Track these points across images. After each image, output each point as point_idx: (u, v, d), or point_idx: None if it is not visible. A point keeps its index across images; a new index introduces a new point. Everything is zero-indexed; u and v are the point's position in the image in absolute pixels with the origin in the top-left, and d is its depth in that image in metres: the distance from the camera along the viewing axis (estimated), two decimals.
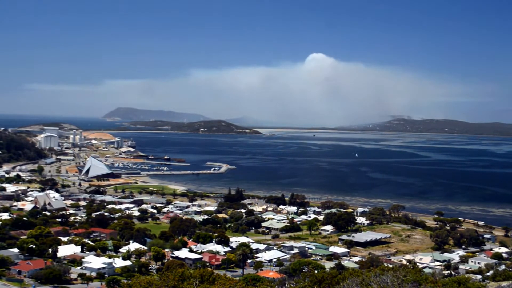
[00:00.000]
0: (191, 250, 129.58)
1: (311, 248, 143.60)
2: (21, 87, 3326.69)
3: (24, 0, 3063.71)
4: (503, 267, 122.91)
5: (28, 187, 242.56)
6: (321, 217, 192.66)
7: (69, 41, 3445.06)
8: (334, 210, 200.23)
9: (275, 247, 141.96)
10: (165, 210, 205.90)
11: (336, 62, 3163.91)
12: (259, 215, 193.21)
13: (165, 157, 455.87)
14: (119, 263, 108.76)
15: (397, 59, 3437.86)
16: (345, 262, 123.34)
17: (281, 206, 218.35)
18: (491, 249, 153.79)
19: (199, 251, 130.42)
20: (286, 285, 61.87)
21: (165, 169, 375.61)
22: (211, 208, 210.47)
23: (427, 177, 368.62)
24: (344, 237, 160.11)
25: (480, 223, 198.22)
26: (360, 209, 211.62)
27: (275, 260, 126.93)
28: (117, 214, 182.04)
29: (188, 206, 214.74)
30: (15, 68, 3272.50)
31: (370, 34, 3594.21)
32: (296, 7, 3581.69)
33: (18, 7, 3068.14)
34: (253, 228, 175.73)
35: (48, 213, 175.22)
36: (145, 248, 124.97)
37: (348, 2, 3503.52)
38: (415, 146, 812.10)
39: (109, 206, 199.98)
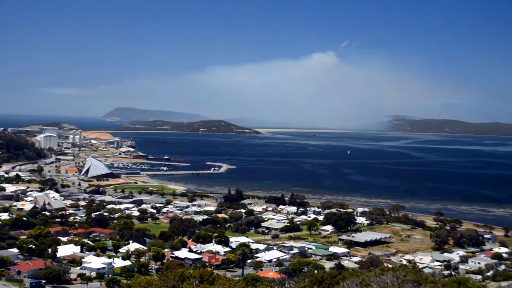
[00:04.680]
0: (190, 250, 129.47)
1: (311, 248, 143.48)
2: (32, 89, 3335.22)
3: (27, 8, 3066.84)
4: (503, 267, 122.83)
5: (28, 187, 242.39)
6: (321, 217, 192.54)
7: (70, 46, 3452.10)
8: (334, 210, 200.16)
9: (275, 247, 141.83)
10: (164, 210, 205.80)
11: (337, 63, 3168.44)
12: (259, 215, 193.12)
13: (165, 157, 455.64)
14: (118, 263, 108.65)
15: (398, 60, 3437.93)
16: (345, 262, 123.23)
17: (281, 206, 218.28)
18: (491, 249, 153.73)
19: (199, 251, 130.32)
20: (286, 285, 61.75)
21: (165, 169, 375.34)
22: (211, 208, 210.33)
23: (412, 180, 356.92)
24: (344, 237, 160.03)
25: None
26: (360, 209, 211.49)
27: (275, 260, 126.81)
28: (117, 214, 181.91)
29: (187, 206, 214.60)
30: (21, 72, 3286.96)
31: (371, 35, 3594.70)
32: (296, 5, 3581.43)
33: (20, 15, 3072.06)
34: (253, 228, 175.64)
35: (47, 213, 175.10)
36: (145, 248, 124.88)
37: (350, 3, 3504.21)
38: (412, 146, 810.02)
39: (109, 206, 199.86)
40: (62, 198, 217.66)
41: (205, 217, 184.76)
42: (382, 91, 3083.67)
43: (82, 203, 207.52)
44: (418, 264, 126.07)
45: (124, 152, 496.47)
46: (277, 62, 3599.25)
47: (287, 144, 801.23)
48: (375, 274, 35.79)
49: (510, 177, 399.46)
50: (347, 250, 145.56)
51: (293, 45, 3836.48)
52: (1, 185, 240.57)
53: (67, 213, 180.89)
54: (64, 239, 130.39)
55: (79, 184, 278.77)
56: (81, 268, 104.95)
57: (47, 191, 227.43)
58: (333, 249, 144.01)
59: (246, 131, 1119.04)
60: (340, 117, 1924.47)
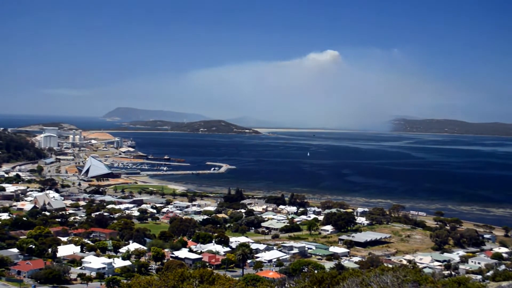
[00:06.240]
0: (190, 250, 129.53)
1: (311, 248, 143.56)
2: (32, 90, 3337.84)
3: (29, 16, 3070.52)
4: (503, 267, 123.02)
5: (28, 187, 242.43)
6: (321, 217, 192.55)
7: (71, 47, 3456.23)
8: (334, 210, 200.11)
9: (275, 247, 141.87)
10: (164, 210, 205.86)
11: (337, 63, 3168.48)
12: (259, 215, 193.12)
13: (165, 157, 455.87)
14: (118, 263, 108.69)
15: (398, 60, 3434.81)
16: (345, 262, 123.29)
17: (281, 206, 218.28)
18: (491, 249, 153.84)
19: (199, 251, 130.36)
20: (286, 285, 61.64)
21: (165, 169, 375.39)
22: (211, 208, 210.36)
23: (412, 180, 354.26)
24: (344, 237, 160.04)
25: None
26: (360, 209, 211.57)
27: (275, 260, 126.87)
28: (117, 214, 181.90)
29: (187, 206, 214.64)
30: (22, 72, 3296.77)
31: (372, 35, 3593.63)
32: (297, 4, 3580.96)
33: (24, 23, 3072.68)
34: (253, 228, 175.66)
35: (47, 213, 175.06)
36: (145, 248, 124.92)
37: (350, 4, 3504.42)
38: (413, 146, 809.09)
39: (109, 206, 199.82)
40: (62, 198, 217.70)
41: (205, 217, 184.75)
42: (383, 91, 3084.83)
43: (82, 203, 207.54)
44: (418, 264, 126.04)
45: (124, 152, 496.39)
46: (277, 62, 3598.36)
47: (288, 144, 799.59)
48: (375, 274, 35.81)
49: (510, 177, 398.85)
50: (347, 250, 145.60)
51: (294, 45, 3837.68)
52: (1, 185, 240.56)
53: (67, 213, 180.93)
54: (64, 239, 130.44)
55: (79, 184, 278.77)
56: (81, 268, 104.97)
57: (47, 191, 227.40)
58: (333, 249, 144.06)
59: (246, 131, 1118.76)
60: (340, 117, 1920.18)
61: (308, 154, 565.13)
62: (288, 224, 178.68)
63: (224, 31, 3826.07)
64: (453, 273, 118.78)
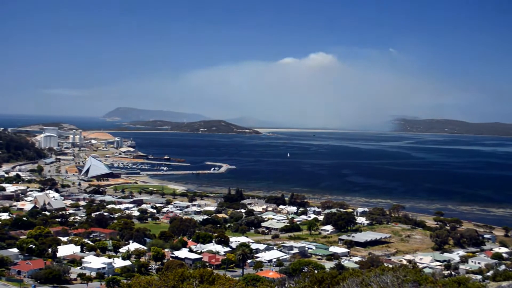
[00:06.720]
0: (191, 250, 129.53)
1: (311, 248, 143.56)
2: (32, 90, 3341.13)
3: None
4: (503, 267, 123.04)
5: (28, 187, 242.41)
6: (321, 217, 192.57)
7: (71, 47, 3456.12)
8: (334, 210, 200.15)
9: (275, 247, 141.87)
10: (164, 210, 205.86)
11: (337, 63, 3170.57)
12: (259, 215, 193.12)
13: (165, 157, 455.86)
14: (118, 263, 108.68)
15: (398, 60, 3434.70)
16: (345, 262, 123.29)
17: (281, 206, 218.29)
18: (491, 249, 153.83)
19: (199, 251, 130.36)
20: (286, 285, 61.59)
21: (165, 169, 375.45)
22: (211, 208, 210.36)
23: (412, 180, 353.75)
24: (344, 237, 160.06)
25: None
26: (360, 209, 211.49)
27: (275, 260, 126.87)
28: (117, 214, 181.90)
29: (188, 206, 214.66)
30: (22, 72, 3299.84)
31: (371, 35, 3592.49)
32: (297, 4, 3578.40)
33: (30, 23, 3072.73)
34: (253, 228, 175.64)
35: (47, 213, 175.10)
36: (145, 248, 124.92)
37: (349, 3, 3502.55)
38: (413, 147, 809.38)
39: (109, 206, 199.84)
40: (62, 198, 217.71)
41: (205, 217, 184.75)
42: (383, 91, 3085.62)
43: (82, 203, 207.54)
44: (418, 264, 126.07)
45: (124, 152, 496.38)
46: (276, 62, 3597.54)
47: (288, 144, 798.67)
48: (375, 274, 35.80)
49: (510, 177, 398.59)
50: (347, 250, 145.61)
51: (293, 45, 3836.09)
52: (1, 185, 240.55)
53: (67, 213, 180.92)
54: (64, 239, 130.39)
55: (79, 184, 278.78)
56: (81, 268, 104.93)
57: (47, 191, 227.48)
58: (333, 249, 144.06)
59: (246, 131, 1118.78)
60: (341, 117, 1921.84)
61: (288, 155, 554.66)
62: (288, 224, 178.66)
63: (223, 30, 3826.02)
64: (453, 273, 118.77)
